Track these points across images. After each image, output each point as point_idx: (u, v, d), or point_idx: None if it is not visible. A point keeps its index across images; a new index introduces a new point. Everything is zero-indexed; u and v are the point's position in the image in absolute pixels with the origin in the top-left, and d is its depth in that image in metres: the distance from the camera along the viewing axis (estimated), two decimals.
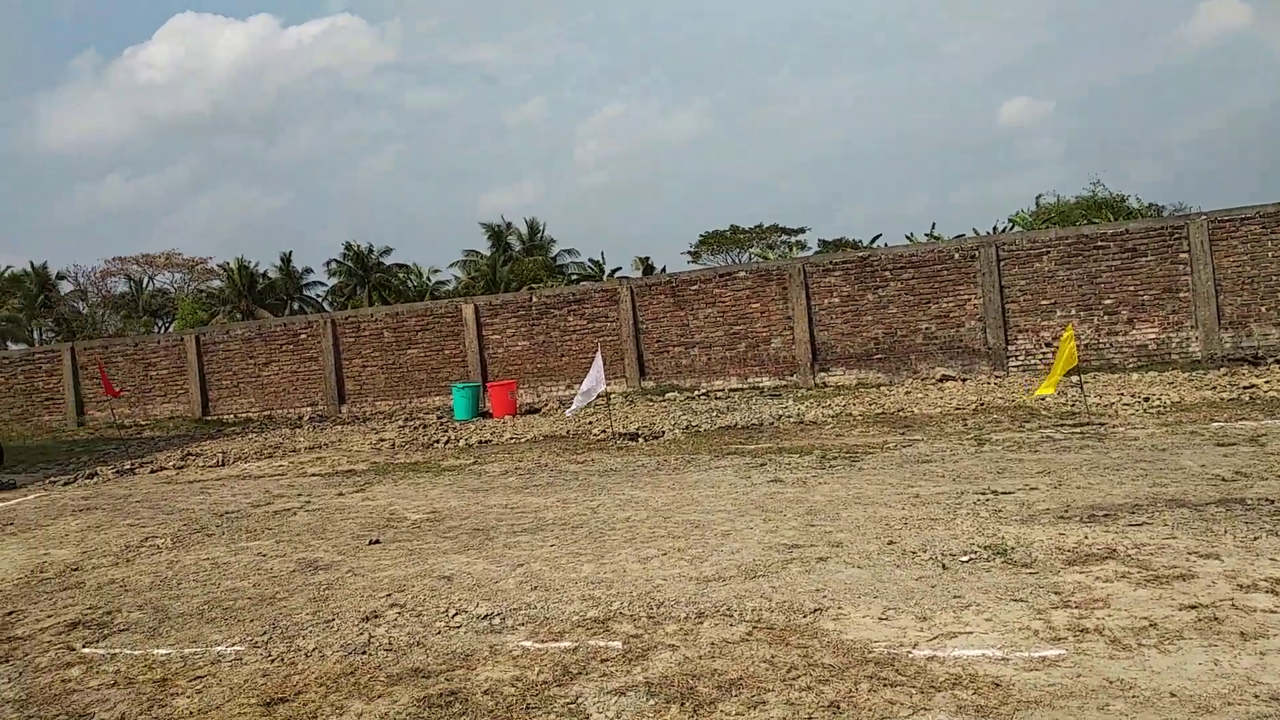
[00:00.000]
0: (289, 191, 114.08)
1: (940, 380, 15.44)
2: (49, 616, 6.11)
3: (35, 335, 56.32)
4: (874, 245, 39.35)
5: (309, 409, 20.19)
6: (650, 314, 17.61)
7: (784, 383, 16.62)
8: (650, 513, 7.66)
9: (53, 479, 13.23)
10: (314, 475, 11.69)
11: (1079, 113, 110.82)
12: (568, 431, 13.64)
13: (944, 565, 5.55)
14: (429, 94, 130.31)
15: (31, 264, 57.43)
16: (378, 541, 7.43)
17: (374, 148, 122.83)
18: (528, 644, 4.76)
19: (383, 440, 14.58)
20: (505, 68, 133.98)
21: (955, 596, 4.98)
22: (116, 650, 5.26)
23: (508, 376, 18.28)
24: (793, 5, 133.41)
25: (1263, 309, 14.68)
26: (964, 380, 15.27)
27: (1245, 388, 12.11)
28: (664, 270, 45.48)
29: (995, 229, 33.23)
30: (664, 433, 12.39)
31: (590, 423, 14.09)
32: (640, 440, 12.07)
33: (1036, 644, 4.22)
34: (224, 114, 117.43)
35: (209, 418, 20.78)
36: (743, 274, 17.32)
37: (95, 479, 12.96)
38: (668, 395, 16.63)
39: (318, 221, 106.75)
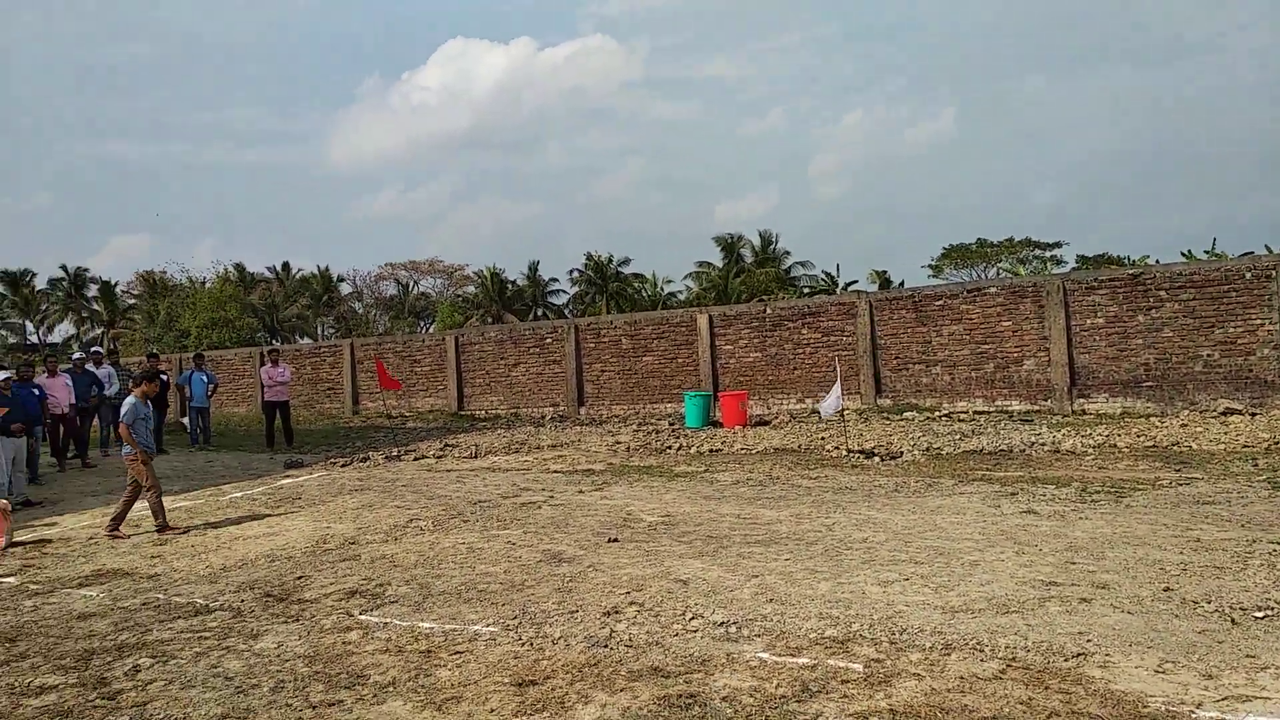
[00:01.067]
0: (538, 203, 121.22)
1: (1223, 414, 13.78)
2: (331, 584, 6.82)
3: (319, 331, 63.30)
4: (1143, 262, 35.87)
5: (551, 409, 21.27)
6: (889, 329, 17.03)
7: (1036, 408, 15.50)
8: (890, 535, 7.39)
9: (332, 460, 14.78)
10: (556, 472, 12.28)
11: None
12: (799, 446, 13.47)
13: (1233, 619, 4.95)
14: (670, 108, 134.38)
15: (318, 267, 64.71)
16: (616, 540, 7.68)
17: (617, 161, 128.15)
18: (765, 656, 4.74)
19: (618, 443, 15.08)
20: (745, 79, 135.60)
21: (1248, 656, 4.42)
22: (388, 620, 5.78)
23: (738, 387, 18.34)
24: (1047, 2, 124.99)
25: None
26: (1253, 415, 13.54)
27: None
28: (902, 284, 43.91)
29: None
30: (902, 453, 11.92)
31: (823, 438, 13.83)
32: (877, 459, 11.69)
33: None
34: (484, 132, 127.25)
35: (463, 412, 22.43)
36: (993, 289, 16.34)
37: (367, 463, 14.34)
38: (905, 414, 16.00)
39: (563, 231, 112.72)
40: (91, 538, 9.31)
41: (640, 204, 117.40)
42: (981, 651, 4.66)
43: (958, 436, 13.08)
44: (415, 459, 14.57)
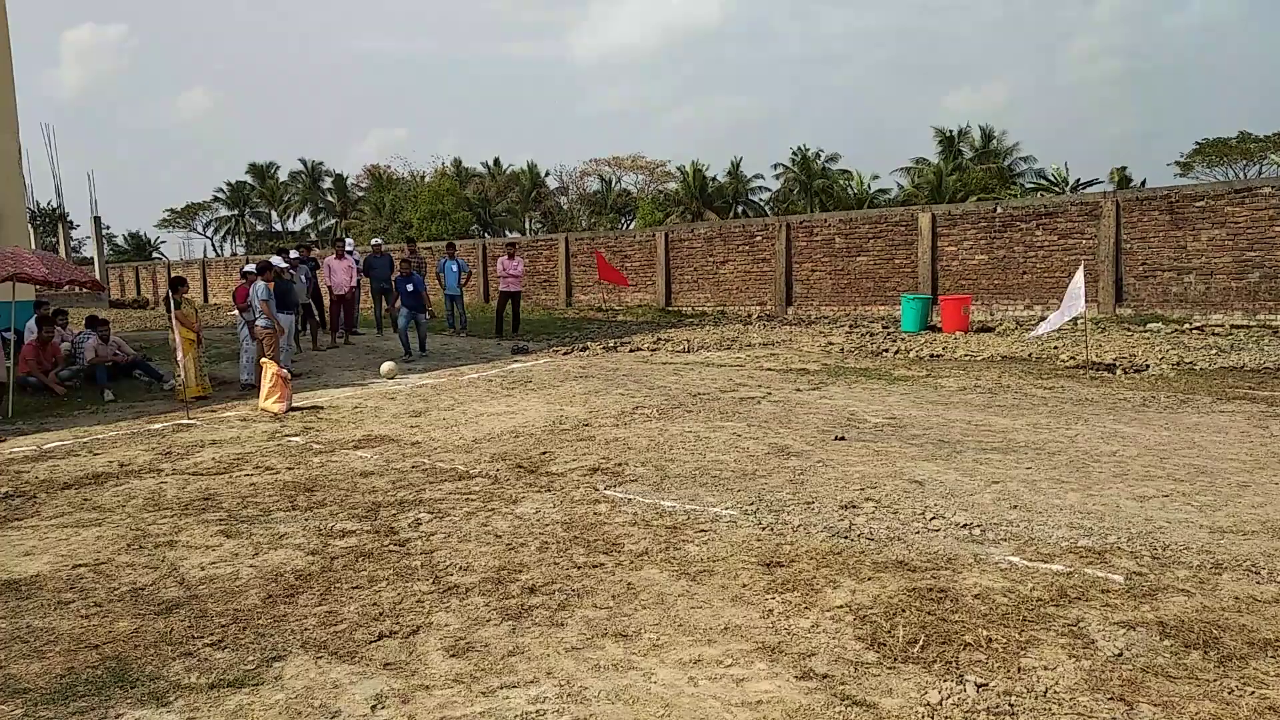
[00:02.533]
0: (766, 96, 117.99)
1: None
2: (573, 460, 7.29)
3: (525, 225, 65.73)
4: None
5: (757, 308, 21.27)
6: (1137, 232, 15.60)
7: None
8: (1141, 450, 6.98)
9: (555, 349, 15.57)
10: (769, 370, 12.36)
11: None
12: (1029, 354, 12.81)
13: None
14: None
15: (528, 163, 66.75)
16: (843, 438, 7.71)
17: (861, 49, 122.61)
18: (1015, 559, 4.68)
19: (830, 344, 14.93)
20: None
21: None
22: (631, 496, 6.14)
23: (960, 291, 17.53)
24: None
25: None
26: None
27: None
28: (1143, 183, 39.90)
29: None
30: (1148, 366, 11.09)
31: (1055, 348, 13.08)
32: (1118, 372, 10.95)
33: None
34: (730, 22, 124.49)
35: (669, 308, 22.85)
36: (1267, 190, 14.51)
37: (586, 352, 15.00)
38: (1149, 326, 14.78)
39: (781, 127, 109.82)
40: (356, 407, 10.39)
41: (870, 95, 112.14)
42: (1258, 574, 4.39)
43: (1213, 351, 11.98)
44: (630, 351, 15.08)
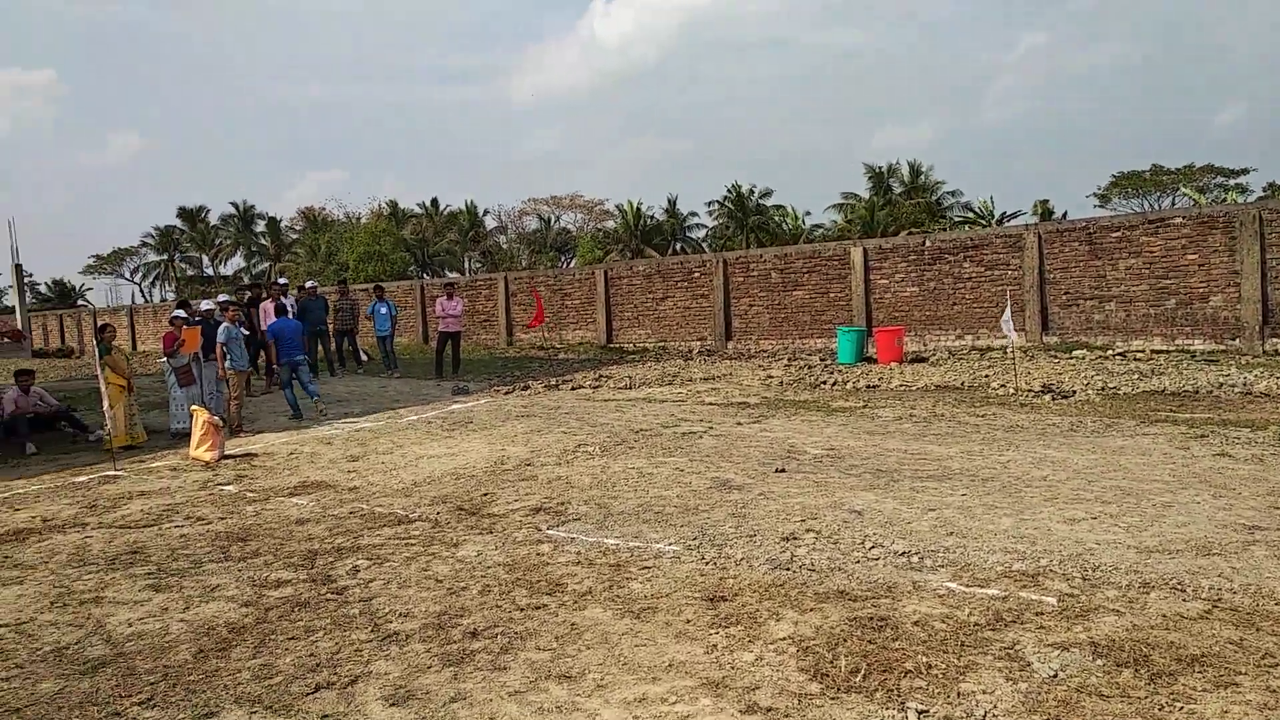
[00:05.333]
0: (700, 136, 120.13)
1: None
2: (516, 501, 7.23)
3: (466, 265, 65.42)
4: None
5: (698, 343, 21.44)
6: (1059, 263, 16.17)
7: (1222, 348, 14.48)
8: (1071, 474, 7.19)
9: (496, 388, 15.46)
10: (710, 404, 12.44)
11: None
12: (962, 383, 13.12)
13: None
14: (840, 34, 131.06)
15: (465, 202, 66.67)
16: (783, 470, 7.78)
17: (776, 91, 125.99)
18: (953, 585, 4.77)
19: (770, 377, 15.10)
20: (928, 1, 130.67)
21: None
22: (574, 535, 6.11)
23: (893, 322, 17.92)
24: None
25: None
26: None
27: None
28: (1064, 215, 41.44)
29: None
30: (1074, 392, 11.44)
31: (986, 376, 13.43)
32: (1048, 398, 11.27)
33: None
34: (668, 67, 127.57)
35: (611, 345, 22.90)
36: (1178, 220, 15.21)
37: (528, 391, 14.93)
38: (1074, 353, 15.27)
39: (713, 165, 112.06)
40: (292, 453, 10.17)
41: (795, 135, 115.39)
42: (1183, 591, 4.54)
43: (1135, 376, 12.43)
44: (572, 389, 15.05)
